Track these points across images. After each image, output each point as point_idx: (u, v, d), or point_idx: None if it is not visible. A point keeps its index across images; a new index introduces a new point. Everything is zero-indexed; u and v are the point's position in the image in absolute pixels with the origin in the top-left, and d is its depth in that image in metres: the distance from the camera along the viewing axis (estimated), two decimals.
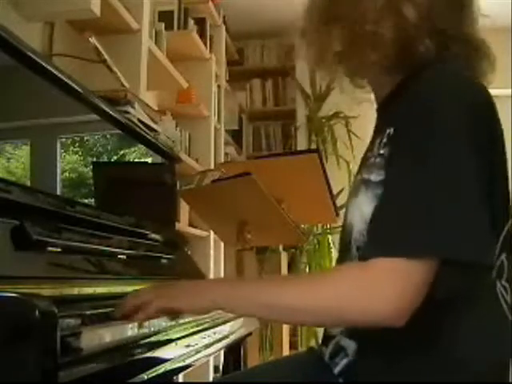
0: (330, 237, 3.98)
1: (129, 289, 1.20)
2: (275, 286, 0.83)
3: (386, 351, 0.83)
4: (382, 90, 0.94)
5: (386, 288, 0.74)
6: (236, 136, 4.24)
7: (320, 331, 3.87)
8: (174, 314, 0.90)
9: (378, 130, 0.91)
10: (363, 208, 0.85)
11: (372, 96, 1.00)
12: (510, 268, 0.83)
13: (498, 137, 0.82)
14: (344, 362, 0.87)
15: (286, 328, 3.76)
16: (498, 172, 0.81)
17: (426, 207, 0.74)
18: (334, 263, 3.96)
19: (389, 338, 0.80)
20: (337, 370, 0.88)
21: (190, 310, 0.88)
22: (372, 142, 0.91)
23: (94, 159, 1.40)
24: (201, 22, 3.38)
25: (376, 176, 0.84)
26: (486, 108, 0.81)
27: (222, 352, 1.80)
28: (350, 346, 0.87)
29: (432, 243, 0.73)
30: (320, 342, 0.98)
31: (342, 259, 0.95)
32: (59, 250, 1.03)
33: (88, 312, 0.88)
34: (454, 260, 0.73)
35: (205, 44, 3.36)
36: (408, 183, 0.76)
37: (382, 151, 0.84)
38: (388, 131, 0.83)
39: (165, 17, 2.86)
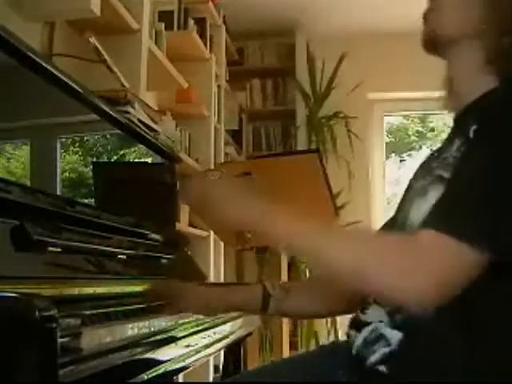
0: None
1: (129, 289, 1.20)
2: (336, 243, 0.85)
3: (432, 344, 0.82)
4: (475, 90, 0.93)
5: (433, 259, 0.74)
6: (236, 136, 4.24)
7: (320, 331, 3.88)
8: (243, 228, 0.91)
9: (460, 131, 0.89)
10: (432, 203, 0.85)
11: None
12: None
13: None
14: (384, 350, 0.86)
15: (286, 328, 3.76)
16: None
17: (499, 200, 0.74)
18: None
19: (437, 332, 0.81)
20: (373, 358, 0.87)
21: (268, 236, 0.90)
22: (450, 142, 0.89)
23: (94, 159, 1.40)
24: (201, 22, 3.38)
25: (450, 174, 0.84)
26: None
27: (222, 352, 1.80)
28: (394, 335, 0.86)
29: (493, 237, 0.73)
30: (349, 327, 0.97)
31: None
32: (59, 250, 1.03)
33: (88, 312, 0.88)
34: (508, 261, 0.74)
35: (205, 44, 3.36)
36: (484, 172, 0.76)
37: (461, 150, 0.84)
38: (472, 128, 0.82)
39: (165, 17, 2.85)
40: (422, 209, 0.87)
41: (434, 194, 0.84)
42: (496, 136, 0.77)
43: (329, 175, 1.89)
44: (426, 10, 0.96)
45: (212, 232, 3.08)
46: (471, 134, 0.81)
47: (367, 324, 0.90)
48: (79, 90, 1.25)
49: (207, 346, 1.29)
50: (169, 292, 1.12)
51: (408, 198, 0.97)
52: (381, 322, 0.88)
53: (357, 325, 0.93)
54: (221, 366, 1.96)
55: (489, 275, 0.76)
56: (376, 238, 0.84)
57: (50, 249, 1.00)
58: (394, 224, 0.99)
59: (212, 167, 3.20)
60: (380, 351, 0.86)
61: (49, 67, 1.15)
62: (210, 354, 1.34)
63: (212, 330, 1.33)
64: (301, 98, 4.31)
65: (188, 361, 1.15)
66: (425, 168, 0.96)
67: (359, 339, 0.91)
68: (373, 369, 0.87)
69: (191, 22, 3.15)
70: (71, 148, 1.30)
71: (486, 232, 0.73)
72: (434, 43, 0.96)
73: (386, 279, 0.77)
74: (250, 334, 1.77)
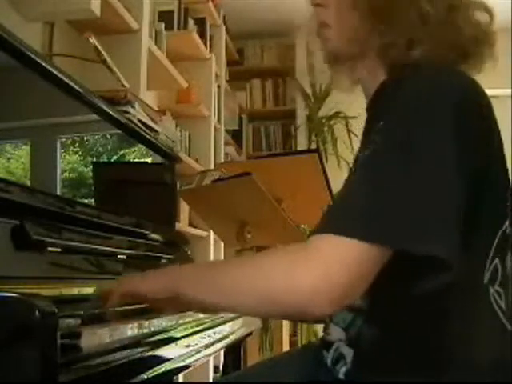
0: None
1: None
2: (220, 267, 0.84)
3: (381, 359, 0.82)
4: (372, 87, 0.94)
5: (313, 264, 0.71)
6: (236, 136, 4.24)
7: (320, 331, 3.87)
8: (137, 299, 0.90)
9: (367, 132, 0.90)
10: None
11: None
12: (503, 273, 0.81)
13: (490, 135, 0.80)
14: (343, 369, 0.87)
15: (286, 328, 3.76)
16: (490, 173, 0.79)
17: (389, 197, 0.71)
18: None
19: (385, 345, 0.80)
20: (340, 376, 0.88)
21: (149, 292, 0.86)
22: (362, 143, 0.90)
23: (94, 159, 1.40)
24: (201, 22, 3.38)
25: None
26: (474, 106, 0.79)
27: (222, 352, 1.80)
28: (349, 354, 0.86)
29: (379, 230, 0.70)
30: (319, 344, 0.97)
31: None
32: (59, 250, 1.03)
33: (88, 312, 0.88)
34: (399, 249, 0.71)
35: (205, 44, 3.36)
36: (380, 172, 0.74)
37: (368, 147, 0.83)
38: (376, 128, 0.81)
39: (165, 17, 2.86)
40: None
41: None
42: (394, 137, 0.75)
43: (329, 175, 1.89)
44: (317, 25, 0.96)
45: (212, 232, 3.08)
46: (375, 133, 0.80)
47: (332, 344, 0.90)
48: (79, 90, 1.25)
49: (207, 346, 1.29)
50: None
51: None
52: (341, 340, 0.88)
53: (325, 345, 0.93)
54: (221, 366, 1.96)
55: (411, 275, 0.75)
56: (261, 255, 0.83)
57: (50, 249, 1.00)
58: None
59: (212, 167, 3.20)
60: (341, 370, 0.86)
61: (49, 67, 1.15)
62: (209, 354, 1.34)
63: (212, 330, 1.33)
64: (301, 98, 4.32)
65: (188, 361, 1.15)
66: (353, 164, 0.95)
67: (328, 360, 0.91)
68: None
69: (191, 21, 3.15)
70: (71, 148, 1.30)
71: (378, 225, 0.71)
72: (334, 59, 0.97)
73: (273, 295, 0.75)
74: (249, 334, 1.77)
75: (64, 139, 1.26)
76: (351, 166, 0.95)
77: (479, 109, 0.79)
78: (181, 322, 1.16)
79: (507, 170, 0.82)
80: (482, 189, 0.77)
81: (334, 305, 0.72)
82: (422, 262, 0.72)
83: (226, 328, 1.45)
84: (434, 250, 0.70)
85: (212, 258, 3.29)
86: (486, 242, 0.80)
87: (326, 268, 0.70)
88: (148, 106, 1.86)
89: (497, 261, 0.80)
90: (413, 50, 0.84)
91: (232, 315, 1.48)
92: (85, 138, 1.38)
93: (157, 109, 2.52)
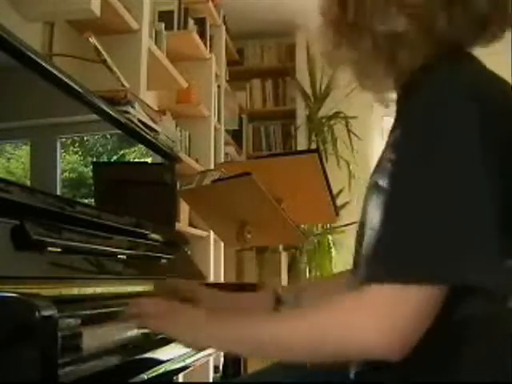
0: (329, 237, 3.99)
1: (129, 289, 1.20)
2: (259, 324, 0.81)
3: (398, 369, 0.81)
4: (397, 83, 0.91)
5: (371, 318, 0.69)
6: (236, 136, 4.24)
7: None
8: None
9: (391, 130, 0.87)
10: (372, 214, 0.80)
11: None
12: None
13: None
14: (353, 371, 0.86)
15: None
16: None
17: (427, 228, 0.69)
18: (333, 263, 3.96)
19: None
20: (351, 376, 0.87)
21: (179, 341, 0.87)
22: (387, 142, 0.89)
23: (94, 159, 1.40)
24: (201, 22, 3.38)
25: (384, 182, 0.79)
26: (503, 108, 0.76)
27: (222, 352, 1.80)
28: None
29: (429, 268, 0.68)
30: None
31: (354, 261, 0.94)
32: (59, 250, 1.03)
33: (88, 312, 0.88)
34: (454, 284, 0.69)
35: (205, 44, 3.36)
36: (409, 199, 0.71)
37: (390, 156, 0.80)
38: (396, 133, 0.79)
39: (165, 17, 2.86)
40: (368, 217, 0.82)
41: (373, 205, 0.80)
42: (419, 152, 0.73)
43: (329, 175, 1.89)
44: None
45: (212, 232, 3.08)
46: (394, 142, 0.79)
47: None
48: (79, 90, 1.25)
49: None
50: (183, 291, 1.11)
51: (365, 196, 0.92)
52: None
53: None
54: (221, 366, 1.96)
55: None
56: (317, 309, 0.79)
57: (50, 249, 1.00)
58: (360, 223, 0.92)
59: (212, 167, 3.20)
60: (352, 372, 0.85)
61: (49, 67, 1.15)
62: (210, 354, 1.34)
63: None
64: (301, 98, 4.32)
65: (188, 361, 1.15)
66: (377, 163, 0.91)
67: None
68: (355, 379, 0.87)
69: (191, 21, 3.15)
70: (71, 148, 1.30)
71: (426, 264, 0.68)
72: None
73: (329, 350, 0.74)
74: None
75: (64, 139, 1.26)
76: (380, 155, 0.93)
77: (504, 108, 0.77)
78: None
79: None
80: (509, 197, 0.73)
81: (405, 352, 0.70)
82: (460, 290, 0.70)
83: None
84: (482, 280, 0.68)
85: (212, 258, 3.29)
86: None
87: (395, 324, 0.69)
88: (148, 106, 1.86)
89: None
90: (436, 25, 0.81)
91: None
92: (85, 138, 1.38)
93: (157, 109, 2.52)
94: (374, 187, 0.82)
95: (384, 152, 0.86)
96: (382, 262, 0.72)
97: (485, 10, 0.81)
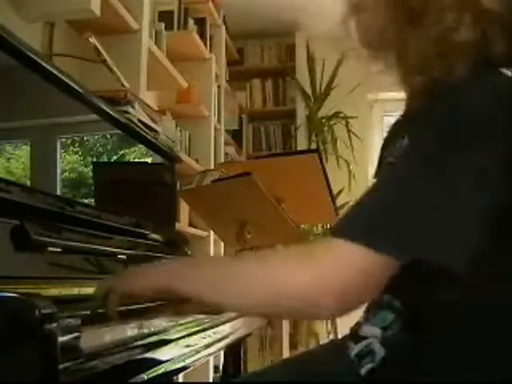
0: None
1: None
2: (222, 265, 0.83)
3: (412, 363, 0.81)
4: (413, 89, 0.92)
5: (324, 264, 0.71)
6: (236, 136, 4.24)
7: (321, 332, 3.88)
8: (131, 298, 0.89)
9: (396, 132, 0.88)
10: None
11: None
12: None
13: None
14: (369, 366, 0.86)
15: (285, 328, 3.76)
16: None
17: (407, 205, 0.71)
18: None
19: (418, 350, 0.80)
20: (362, 371, 0.88)
21: (141, 290, 0.85)
22: (389, 142, 0.88)
23: (94, 159, 1.40)
24: (201, 22, 3.38)
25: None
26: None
27: (222, 352, 1.80)
28: (380, 353, 0.85)
29: (395, 239, 0.70)
30: (348, 336, 0.97)
31: None
32: (59, 250, 1.03)
33: (88, 312, 0.88)
34: (414, 257, 0.70)
35: (205, 44, 3.36)
36: (404, 179, 0.73)
37: (396, 160, 0.81)
38: (404, 141, 0.80)
39: (165, 17, 2.86)
40: None
41: None
42: (421, 152, 0.74)
43: (329, 175, 1.89)
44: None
45: (212, 232, 3.08)
46: (402, 146, 0.79)
47: (364, 338, 0.90)
48: (79, 90, 1.25)
49: (207, 346, 1.29)
50: None
51: None
52: (376, 337, 0.88)
53: (354, 337, 0.93)
54: (221, 366, 1.96)
55: (439, 283, 0.74)
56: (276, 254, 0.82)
57: (50, 249, 1.00)
58: None
59: (212, 167, 3.20)
60: (366, 366, 0.86)
61: (49, 67, 1.15)
62: (209, 354, 1.34)
63: (212, 330, 1.33)
64: (301, 98, 4.32)
65: (188, 361, 1.15)
66: (379, 162, 0.94)
67: (353, 352, 0.91)
68: (363, 381, 0.87)
69: (191, 22, 3.15)
70: (71, 148, 1.30)
71: (394, 234, 0.70)
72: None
73: (279, 291, 0.74)
74: (249, 334, 1.77)
75: (64, 139, 1.26)
76: (379, 158, 0.94)
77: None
78: (181, 322, 1.16)
79: None
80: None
81: (340, 308, 0.72)
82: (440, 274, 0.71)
83: (226, 328, 1.45)
84: (444, 262, 0.69)
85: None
86: None
87: (334, 270, 0.71)
88: (148, 106, 1.86)
89: None
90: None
91: (232, 315, 1.48)
92: (85, 138, 1.38)
93: (157, 109, 2.52)
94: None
95: (384, 152, 0.86)
96: (351, 220, 0.74)
97: None
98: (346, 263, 0.71)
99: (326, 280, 0.71)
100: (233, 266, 0.81)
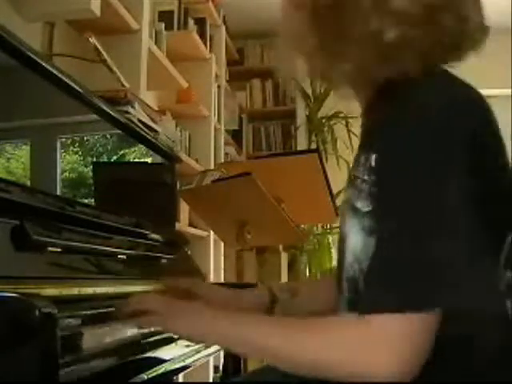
0: (330, 237, 3.99)
1: (129, 289, 1.20)
2: (268, 331, 0.81)
3: None
4: (364, 96, 0.92)
5: (382, 351, 0.70)
6: (236, 136, 4.24)
7: None
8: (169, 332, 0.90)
9: (363, 145, 0.88)
10: (351, 236, 0.82)
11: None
12: None
13: (494, 146, 0.79)
14: None
15: None
16: (498, 188, 0.78)
17: (419, 256, 0.71)
18: (333, 263, 3.96)
19: None
20: None
21: (187, 337, 0.87)
22: (358, 156, 0.87)
23: (94, 159, 1.40)
24: (201, 22, 3.38)
25: (363, 205, 0.80)
26: (480, 123, 0.77)
27: (222, 352, 1.80)
28: None
29: (429, 294, 0.70)
30: None
31: (337, 277, 0.94)
32: (59, 249, 1.03)
33: (88, 312, 0.88)
34: (452, 308, 0.71)
35: (205, 44, 3.36)
36: (397, 229, 0.73)
37: (366, 177, 0.81)
38: (373, 155, 0.80)
39: (165, 17, 2.86)
40: (348, 234, 0.84)
41: (350, 225, 0.82)
42: (398, 177, 0.75)
43: (329, 175, 1.89)
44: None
45: (212, 232, 3.08)
46: (373, 163, 0.79)
47: None
48: (79, 89, 1.25)
49: (207, 346, 1.29)
50: (195, 290, 1.10)
51: (341, 206, 0.93)
52: None
53: None
54: (221, 366, 1.96)
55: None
56: (318, 330, 0.79)
57: (50, 249, 1.00)
58: (340, 233, 0.92)
59: (212, 167, 3.20)
60: None
61: (49, 67, 1.15)
62: (209, 354, 1.34)
63: None
64: (301, 98, 4.31)
65: (188, 361, 1.15)
66: (349, 177, 0.91)
67: None
68: None
69: (191, 22, 3.15)
70: (71, 148, 1.30)
71: (426, 291, 0.70)
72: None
73: (336, 376, 0.74)
74: None
75: (64, 139, 1.26)
76: (351, 169, 0.92)
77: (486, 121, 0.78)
78: None
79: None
80: (488, 204, 0.75)
81: (408, 374, 0.71)
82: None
83: None
84: (478, 302, 0.72)
85: (212, 258, 3.29)
86: (494, 256, 0.78)
87: (397, 350, 0.70)
88: (148, 106, 1.86)
89: (509, 273, 0.78)
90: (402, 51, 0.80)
91: None
92: (85, 138, 1.38)
93: (157, 109, 2.52)
94: (350, 207, 0.83)
95: (356, 167, 0.86)
96: (380, 293, 0.73)
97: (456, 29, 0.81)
98: (409, 337, 0.70)
99: (399, 363, 0.70)
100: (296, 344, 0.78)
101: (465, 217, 0.72)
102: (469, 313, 0.74)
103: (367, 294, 0.76)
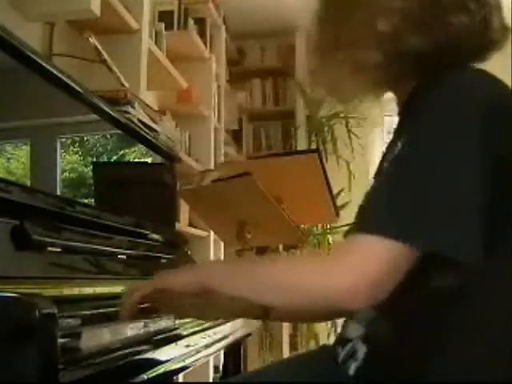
0: (329, 237, 3.98)
1: None
2: (262, 265, 0.86)
3: (394, 355, 0.81)
4: (401, 95, 0.95)
5: (351, 263, 0.73)
6: (236, 136, 4.24)
7: (320, 332, 3.88)
8: (169, 298, 0.90)
9: (394, 139, 0.90)
10: None
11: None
12: None
13: None
14: (354, 365, 0.87)
15: (286, 328, 3.76)
16: None
17: (420, 197, 0.73)
18: None
19: (399, 341, 0.81)
20: (350, 372, 0.88)
21: (182, 287, 0.87)
22: (390, 147, 0.90)
23: (94, 159, 1.40)
24: (201, 22, 3.38)
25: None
26: (505, 112, 0.79)
27: (222, 352, 1.80)
28: (362, 350, 0.86)
29: (413, 231, 0.72)
30: (335, 342, 0.97)
31: None
32: (59, 249, 1.03)
33: (88, 312, 0.88)
34: (431, 252, 0.72)
35: (205, 44, 3.36)
36: (409, 172, 0.76)
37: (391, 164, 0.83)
38: (400, 144, 0.82)
39: (165, 17, 2.86)
40: None
41: None
42: (423, 145, 0.77)
43: (329, 175, 1.89)
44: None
45: (212, 232, 3.08)
46: (401, 143, 0.81)
47: (349, 341, 0.91)
48: (79, 89, 1.25)
49: (207, 346, 1.29)
50: None
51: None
52: (359, 337, 0.88)
53: (341, 341, 0.93)
54: (221, 366, 1.96)
55: (426, 274, 0.76)
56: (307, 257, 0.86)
57: (50, 249, 1.00)
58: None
59: (212, 167, 3.20)
60: (352, 366, 0.87)
61: (49, 67, 1.15)
62: (210, 354, 1.34)
63: (212, 330, 1.33)
64: (301, 98, 4.31)
65: (188, 361, 1.15)
66: (378, 167, 0.96)
67: (341, 356, 0.91)
68: (352, 379, 0.87)
69: (191, 22, 3.15)
70: (71, 148, 1.30)
71: (411, 226, 0.73)
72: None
73: (308, 291, 0.77)
74: (249, 334, 1.77)
75: (64, 139, 1.26)
76: (380, 161, 0.96)
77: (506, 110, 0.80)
78: (181, 322, 1.16)
79: None
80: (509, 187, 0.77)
81: (369, 301, 0.75)
82: (437, 261, 0.74)
83: (226, 328, 1.45)
84: (458, 254, 0.72)
85: (212, 258, 3.29)
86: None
87: (364, 267, 0.73)
88: (148, 106, 1.86)
89: None
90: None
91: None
92: (85, 138, 1.38)
93: (157, 109, 2.52)
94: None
95: (382, 163, 0.88)
96: (368, 217, 0.77)
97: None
98: (379, 258, 0.73)
99: (365, 279, 0.73)
100: (274, 266, 0.84)
101: (482, 190, 0.73)
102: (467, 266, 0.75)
103: (356, 217, 0.79)
